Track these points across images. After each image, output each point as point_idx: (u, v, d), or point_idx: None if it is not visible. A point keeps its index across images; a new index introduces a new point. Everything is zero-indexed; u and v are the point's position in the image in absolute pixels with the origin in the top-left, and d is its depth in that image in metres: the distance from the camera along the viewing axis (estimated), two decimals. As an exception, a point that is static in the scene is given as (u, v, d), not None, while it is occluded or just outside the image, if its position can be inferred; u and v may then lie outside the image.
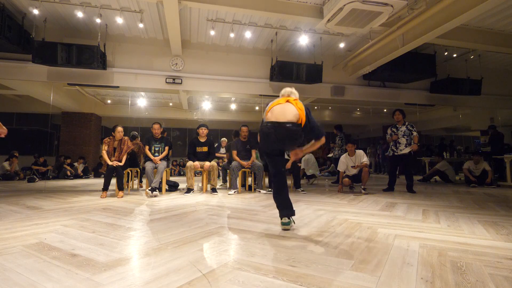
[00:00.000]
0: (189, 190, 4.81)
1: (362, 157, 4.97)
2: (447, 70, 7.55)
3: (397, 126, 5.23)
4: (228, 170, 5.43)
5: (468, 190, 5.47)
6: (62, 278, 1.34)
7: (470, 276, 1.39)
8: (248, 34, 6.02)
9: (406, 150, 5.04)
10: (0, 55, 5.50)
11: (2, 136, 2.31)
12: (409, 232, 2.25)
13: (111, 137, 4.69)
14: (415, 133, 5.04)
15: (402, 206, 3.55)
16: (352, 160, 5.04)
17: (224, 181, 6.27)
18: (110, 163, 4.49)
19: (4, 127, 2.30)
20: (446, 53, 7.09)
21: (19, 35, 5.19)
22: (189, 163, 4.88)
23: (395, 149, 5.18)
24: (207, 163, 4.92)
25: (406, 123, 5.17)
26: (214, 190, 4.84)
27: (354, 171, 5.05)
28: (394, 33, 5.52)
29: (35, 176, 7.83)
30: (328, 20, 4.59)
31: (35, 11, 5.02)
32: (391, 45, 5.78)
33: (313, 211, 3.19)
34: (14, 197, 4.32)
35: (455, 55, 7.30)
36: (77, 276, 1.37)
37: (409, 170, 5.14)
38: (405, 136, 5.09)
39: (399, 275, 1.39)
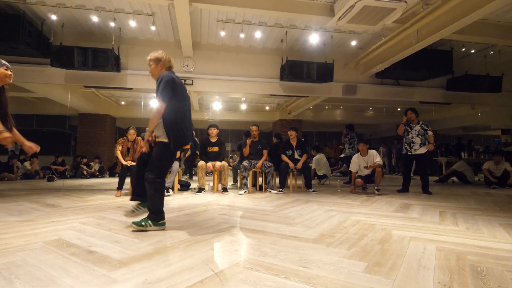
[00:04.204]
0: (200, 189, 4.85)
1: (375, 157, 4.88)
2: (464, 66, 7.32)
3: (411, 125, 5.11)
4: (238, 170, 5.44)
5: (488, 192, 5.28)
6: (80, 274, 1.38)
7: (491, 281, 1.34)
8: (258, 34, 6.02)
9: (422, 150, 4.92)
10: (21, 59, 5.71)
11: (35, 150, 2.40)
12: (425, 234, 2.19)
13: (124, 137, 4.79)
14: (430, 133, 4.92)
15: (418, 207, 3.46)
16: (365, 160, 4.96)
17: (235, 181, 6.30)
18: (124, 163, 4.59)
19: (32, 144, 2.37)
20: (463, 49, 6.88)
21: (38, 40, 5.39)
22: (201, 163, 4.92)
23: (409, 148, 5.06)
24: (218, 163, 4.96)
25: (420, 122, 5.05)
26: (225, 189, 4.87)
27: (366, 172, 4.97)
28: (408, 30, 5.40)
29: (54, 176, 8.09)
30: (339, 18, 4.53)
31: (53, 17, 5.20)
32: (405, 42, 5.65)
33: (324, 211, 3.16)
34: (35, 196, 4.49)
35: (473, 51, 7.07)
36: (94, 272, 1.40)
37: (424, 170, 5.01)
38: (420, 136, 4.97)
39: (415, 279, 1.36)
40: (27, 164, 8.43)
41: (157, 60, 2.40)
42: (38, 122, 11.42)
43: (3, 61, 2.30)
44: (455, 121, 11.60)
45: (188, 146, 2.47)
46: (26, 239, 2.00)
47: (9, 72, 2.31)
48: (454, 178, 7.50)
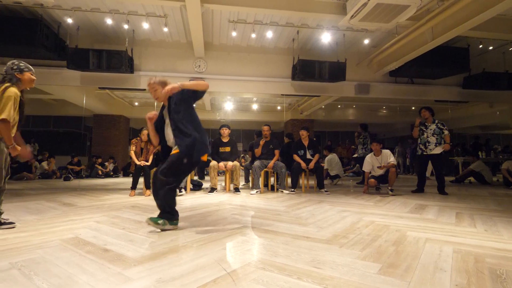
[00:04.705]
0: (212, 189, 4.89)
1: (388, 157, 4.80)
2: (482, 64, 7.10)
3: (426, 124, 4.99)
4: (250, 170, 5.45)
5: (507, 192, 5.09)
6: (96, 272, 1.42)
7: (511, 285, 1.29)
8: (269, 34, 6.01)
9: (438, 150, 4.80)
10: (38, 62, 5.89)
11: (26, 159, 2.49)
12: (441, 236, 2.13)
13: (138, 138, 4.88)
14: (446, 132, 4.79)
15: (433, 208, 3.38)
16: (378, 160, 4.88)
17: (247, 181, 6.31)
18: (138, 162, 4.67)
19: (26, 150, 2.41)
20: (480, 46, 6.66)
21: (55, 43, 5.55)
22: (213, 163, 4.96)
23: (424, 148, 4.94)
24: (230, 163, 4.98)
25: (436, 121, 4.92)
26: (237, 189, 4.88)
27: (380, 172, 4.89)
28: (423, 27, 5.27)
29: (70, 175, 8.32)
30: (352, 16, 4.47)
31: (69, 20, 5.35)
32: (419, 39, 5.52)
33: (337, 212, 3.12)
34: (52, 195, 4.63)
35: (491, 48, 6.84)
36: (109, 270, 1.43)
37: (439, 170, 4.88)
38: (435, 135, 4.85)
39: (431, 281, 1.32)
40: (44, 164, 8.70)
41: (164, 83, 2.41)
42: (55, 123, 11.77)
43: (30, 66, 2.44)
44: (472, 120, 11.25)
45: (205, 158, 2.49)
46: (44, 237, 2.07)
47: (34, 77, 2.45)
48: (471, 179, 7.27)
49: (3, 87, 2.25)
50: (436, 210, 3.23)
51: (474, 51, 6.76)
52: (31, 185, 6.39)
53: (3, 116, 2.17)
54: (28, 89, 2.48)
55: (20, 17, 5.32)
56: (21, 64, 2.39)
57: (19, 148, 2.33)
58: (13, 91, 2.25)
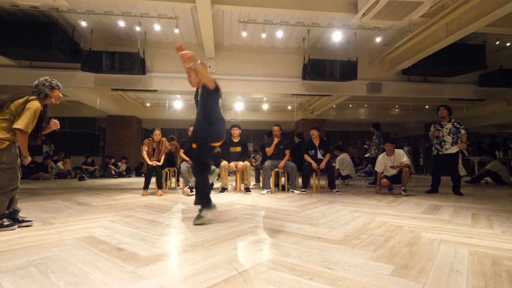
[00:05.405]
0: (223, 189, 4.91)
1: (402, 156, 4.71)
2: (499, 60, 6.87)
3: (442, 123, 4.87)
4: (261, 170, 5.45)
5: (526, 193, 4.92)
6: (110, 270, 1.45)
7: (531, 288, 1.25)
8: (279, 34, 5.99)
9: (454, 150, 4.68)
10: (54, 65, 6.07)
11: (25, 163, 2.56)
12: (456, 237, 2.08)
13: (150, 138, 4.95)
14: (463, 131, 4.66)
15: (448, 209, 3.30)
16: (391, 160, 4.79)
17: (257, 181, 6.31)
18: (150, 163, 4.74)
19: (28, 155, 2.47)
20: (497, 42, 6.45)
21: (70, 46, 5.70)
22: (224, 163, 4.98)
23: (439, 148, 4.83)
24: (240, 163, 4.99)
25: (452, 120, 4.80)
26: (247, 189, 4.89)
27: (393, 172, 4.80)
28: (437, 24, 5.14)
29: (84, 175, 8.52)
30: (363, 14, 4.41)
31: (83, 23, 5.48)
32: (433, 36, 5.39)
33: (349, 212, 3.09)
34: (67, 194, 4.75)
35: (508, 44, 6.61)
36: (123, 269, 1.46)
37: (455, 170, 4.76)
38: (451, 134, 4.72)
39: (446, 283, 1.29)
40: (60, 164, 8.95)
41: (196, 71, 2.56)
42: (70, 124, 12.07)
43: (60, 84, 2.57)
44: (489, 119, 10.90)
45: (216, 144, 2.76)
46: (60, 235, 2.12)
47: (61, 95, 2.59)
48: (488, 179, 7.06)
49: (27, 98, 2.33)
50: (451, 211, 3.15)
51: (490, 47, 6.56)
52: (47, 185, 6.58)
53: (20, 126, 2.25)
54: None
55: (37, 21, 5.48)
56: (53, 81, 2.54)
57: (30, 158, 2.50)
58: (36, 104, 2.35)
